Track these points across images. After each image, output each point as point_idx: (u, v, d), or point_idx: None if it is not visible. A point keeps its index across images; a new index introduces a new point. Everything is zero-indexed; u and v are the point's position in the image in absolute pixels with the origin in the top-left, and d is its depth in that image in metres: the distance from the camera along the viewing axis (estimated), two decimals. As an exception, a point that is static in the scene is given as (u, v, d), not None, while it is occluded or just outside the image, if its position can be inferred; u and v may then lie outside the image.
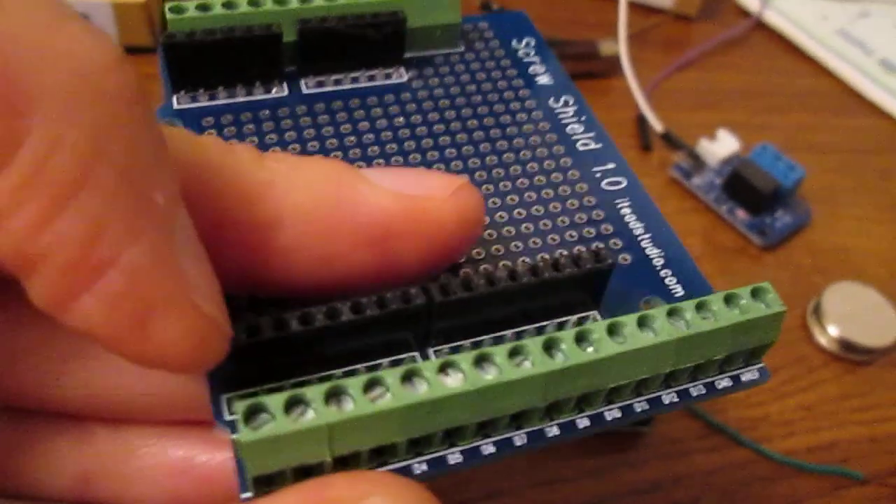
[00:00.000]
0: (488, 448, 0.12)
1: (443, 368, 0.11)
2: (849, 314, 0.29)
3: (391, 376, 0.11)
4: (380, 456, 0.12)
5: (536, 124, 0.18)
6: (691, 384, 0.14)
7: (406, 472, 0.12)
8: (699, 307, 0.13)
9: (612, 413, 0.13)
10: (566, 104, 0.18)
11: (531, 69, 0.19)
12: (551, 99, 0.18)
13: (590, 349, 0.12)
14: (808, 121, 0.39)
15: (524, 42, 0.20)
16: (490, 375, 0.11)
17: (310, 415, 0.10)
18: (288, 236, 0.12)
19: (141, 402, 0.14)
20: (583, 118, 0.18)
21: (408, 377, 0.11)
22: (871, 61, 0.41)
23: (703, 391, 0.14)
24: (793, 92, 0.40)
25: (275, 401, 0.10)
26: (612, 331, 0.12)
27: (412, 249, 0.12)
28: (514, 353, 0.12)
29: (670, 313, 0.13)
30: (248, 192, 0.12)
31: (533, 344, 0.12)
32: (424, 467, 0.12)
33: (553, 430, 0.13)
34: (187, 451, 0.14)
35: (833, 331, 0.29)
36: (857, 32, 0.42)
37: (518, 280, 0.13)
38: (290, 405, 0.10)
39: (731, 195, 0.33)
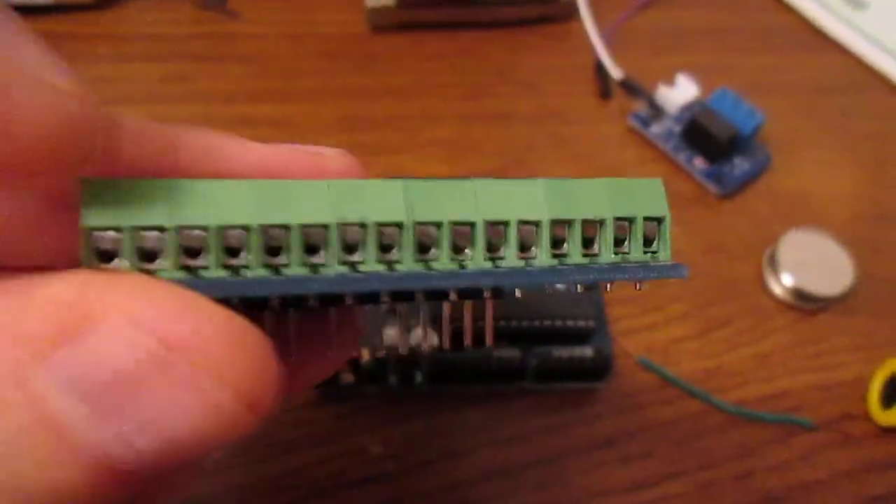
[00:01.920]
0: (355, 274, 0.12)
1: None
2: (803, 262, 0.29)
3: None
4: (232, 256, 0.11)
5: None
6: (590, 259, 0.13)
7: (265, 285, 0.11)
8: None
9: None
10: None
11: None
12: None
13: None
14: (772, 60, 0.38)
15: None
16: None
17: None
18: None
19: None
20: None
21: None
22: (837, -5, 0.40)
23: (605, 269, 0.13)
24: (756, 29, 0.39)
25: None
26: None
27: None
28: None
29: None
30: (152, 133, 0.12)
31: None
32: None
33: (432, 275, 0.12)
34: None
35: (787, 280, 0.29)
36: (823, -35, 0.41)
37: None
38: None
39: (689, 143, 0.32)
